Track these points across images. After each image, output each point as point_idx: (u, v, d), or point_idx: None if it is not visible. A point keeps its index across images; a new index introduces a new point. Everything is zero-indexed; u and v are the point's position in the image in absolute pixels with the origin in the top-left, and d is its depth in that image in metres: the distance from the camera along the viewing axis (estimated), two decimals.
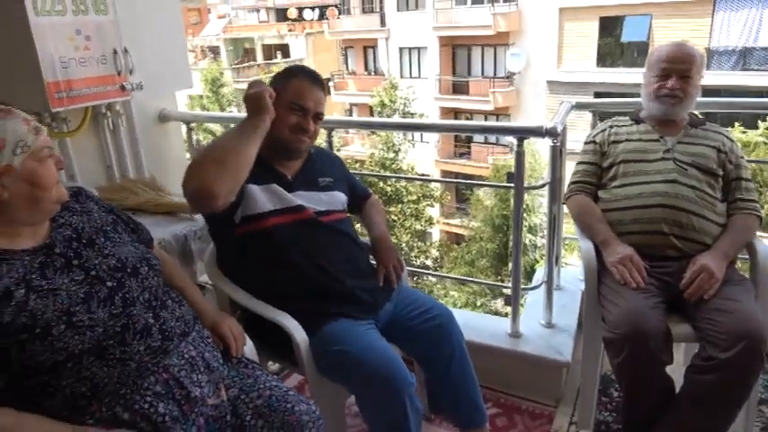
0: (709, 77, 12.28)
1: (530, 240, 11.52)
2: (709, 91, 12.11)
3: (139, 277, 1.13)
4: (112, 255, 1.12)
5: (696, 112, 1.88)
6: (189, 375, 1.10)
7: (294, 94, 1.52)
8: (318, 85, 1.56)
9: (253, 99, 1.40)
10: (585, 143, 1.90)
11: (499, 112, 16.44)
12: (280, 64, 19.99)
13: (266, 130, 1.41)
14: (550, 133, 1.79)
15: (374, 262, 1.67)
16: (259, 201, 1.47)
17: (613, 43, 14.44)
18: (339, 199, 1.65)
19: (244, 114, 1.45)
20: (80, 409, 0.99)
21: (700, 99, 1.81)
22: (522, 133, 1.86)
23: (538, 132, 1.80)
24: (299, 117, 1.52)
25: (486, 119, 16.55)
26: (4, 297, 0.95)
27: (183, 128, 2.69)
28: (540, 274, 2.44)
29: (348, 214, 1.70)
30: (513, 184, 1.91)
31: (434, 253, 14.59)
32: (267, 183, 1.50)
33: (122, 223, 1.26)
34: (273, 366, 1.98)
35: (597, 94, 13.65)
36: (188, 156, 2.76)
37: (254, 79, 1.54)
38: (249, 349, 1.38)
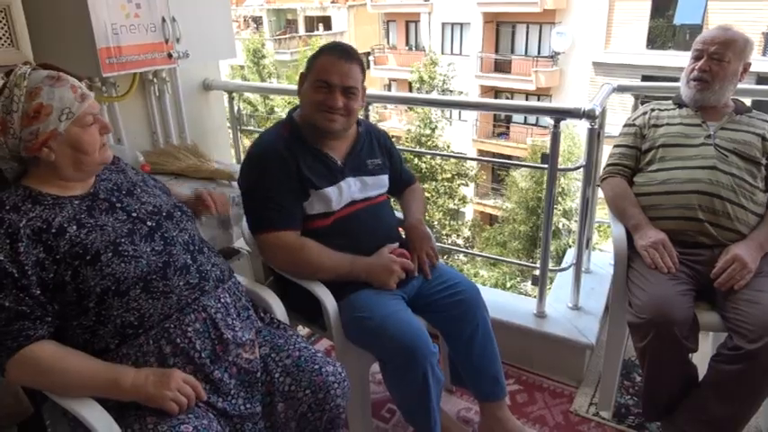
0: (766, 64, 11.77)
1: (563, 225, 11.36)
2: (766, 78, 11.60)
3: (174, 220, 1.27)
4: (149, 202, 1.26)
5: (744, 100, 1.83)
6: (224, 319, 1.20)
7: (319, 70, 1.49)
8: (347, 59, 1.49)
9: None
10: (625, 125, 1.87)
11: (541, 93, 16.05)
12: (321, 36, 19.91)
13: None
14: (588, 115, 1.77)
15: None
16: (313, 206, 1.51)
17: (665, 25, 13.84)
18: (384, 183, 1.67)
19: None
20: (129, 338, 1.10)
21: (754, 87, 1.76)
22: (560, 114, 1.85)
23: (575, 114, 1.79)
24: (324, 94, 1.48)
25: (527, 99, 16.17)
26: (59, 232, 1.08)
27: (225, 97, 2.75)
28: (569, 256, 2.43)
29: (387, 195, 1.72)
30: (546, 165, 1.91)
31: (466, 232, 14.50)
32: (320, 185, 1.50)
33: (152, 179, 1.40)
34: (304, 331, 2.06)
35: (645, 78, 13.14)
36: (228, 125, 2.83)
37: None
38: (281, 313, 1.44)
